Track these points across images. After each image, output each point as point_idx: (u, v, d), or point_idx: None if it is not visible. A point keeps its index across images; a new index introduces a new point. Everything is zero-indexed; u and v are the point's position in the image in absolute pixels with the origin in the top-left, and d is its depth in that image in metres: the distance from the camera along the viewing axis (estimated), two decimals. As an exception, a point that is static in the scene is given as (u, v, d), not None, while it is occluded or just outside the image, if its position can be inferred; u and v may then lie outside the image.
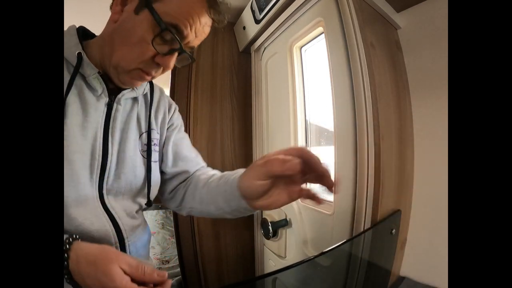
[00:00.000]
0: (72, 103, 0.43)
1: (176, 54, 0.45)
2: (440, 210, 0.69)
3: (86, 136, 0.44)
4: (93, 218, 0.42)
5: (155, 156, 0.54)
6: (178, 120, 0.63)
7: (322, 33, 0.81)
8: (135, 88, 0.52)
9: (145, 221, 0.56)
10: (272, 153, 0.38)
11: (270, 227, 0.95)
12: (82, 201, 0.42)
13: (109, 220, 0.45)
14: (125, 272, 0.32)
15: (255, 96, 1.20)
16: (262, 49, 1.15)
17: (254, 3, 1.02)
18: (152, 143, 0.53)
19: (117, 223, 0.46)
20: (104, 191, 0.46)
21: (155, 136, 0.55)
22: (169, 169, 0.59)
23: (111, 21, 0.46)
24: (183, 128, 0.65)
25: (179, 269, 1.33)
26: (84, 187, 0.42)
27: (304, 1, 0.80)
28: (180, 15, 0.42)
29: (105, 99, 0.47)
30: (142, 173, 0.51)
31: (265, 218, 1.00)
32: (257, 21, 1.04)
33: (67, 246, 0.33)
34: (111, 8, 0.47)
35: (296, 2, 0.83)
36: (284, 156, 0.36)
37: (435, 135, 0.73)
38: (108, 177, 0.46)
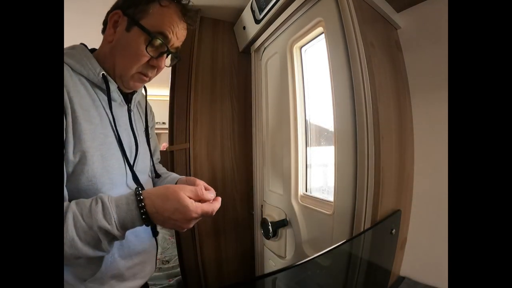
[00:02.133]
0: (109, 113, 0.55)
1: (165, 55, 0.58)
2: (440, 210, 0.69)
3: (124, 133, 0.58)
4: (132, 187, 0.58)
5: (151, 144, 0.72)
6: (153, 119, 0.81)
7: (322, 33, 0.81)
8: (135, 94, 0.65)
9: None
10: (198, 188, 0.49)
11: (270, 227, 0.95)
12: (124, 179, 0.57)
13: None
14: (189, 197, 0.46)
15: (255, 96, 1.20)
16: (262, 49, 1.15)
17: (254, 3, 1.02)
18: (150, 136, 0.71)
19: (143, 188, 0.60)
20: (135, 170, 0.60)
21: (149, 131, 0.72)
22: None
23: (106, 42, 0.57)
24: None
25: (179, 269, 1.33)
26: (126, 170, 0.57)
27: (304, 1, 0.81)
28: (164, 24, 0.55)
29: (125, 106, 0.62)
30: (149, 157, 0.70)
31: (265, 218, 1.00)
32: (257, 21, 1.04)
33: (140, 193, 0.45)
34: (103, 32, 0.59)
35: (296, 2, 0.83)
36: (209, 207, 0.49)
37: (435, 135, 0.73)
38: (137, 161, 0.61)
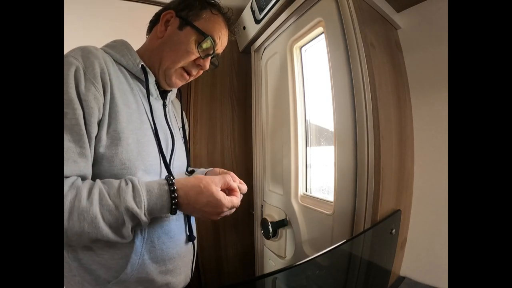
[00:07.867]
0: (145, 103, 0.56)
1: (209, 58, 0.63)
2: (440, 210, 0.69)
3: (159, 126, 0.58)
4: None
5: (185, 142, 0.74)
6: (187, 124, 0.83)
7: (322, 33, 0.81)
8: (170, 93, 0.67)
9: None
10: (230, 180, 0.55)
11: (270, 227, 0.95)
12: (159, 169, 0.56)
13: None
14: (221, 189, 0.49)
15: (255, 96, 1.20)
16: (262, 49, 1.15)
17: (254, 3, 1.02)
18: (186, 134, 0.75)
19: None
20: (171, 166, 0.60)
21: (185, 128, 0.76)
22: None
23: (156, 37, 0.61)
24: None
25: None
26: (161, 162, 0.56)
27: (304, 1, 0.80)
28: (214, 29, 0.61)
29: (161, 101, 0.64)
30: (185, 155, 0.70)
31: (265, 218, 1.00)
32: (257, 21, 1.04)
33: (173, 183, 0.46)
34: (149, 31, 0.65)
35: (296, 2, 0.83)
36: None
37: (435, 135, 0.73)
38: (174, 156, 0.61)
